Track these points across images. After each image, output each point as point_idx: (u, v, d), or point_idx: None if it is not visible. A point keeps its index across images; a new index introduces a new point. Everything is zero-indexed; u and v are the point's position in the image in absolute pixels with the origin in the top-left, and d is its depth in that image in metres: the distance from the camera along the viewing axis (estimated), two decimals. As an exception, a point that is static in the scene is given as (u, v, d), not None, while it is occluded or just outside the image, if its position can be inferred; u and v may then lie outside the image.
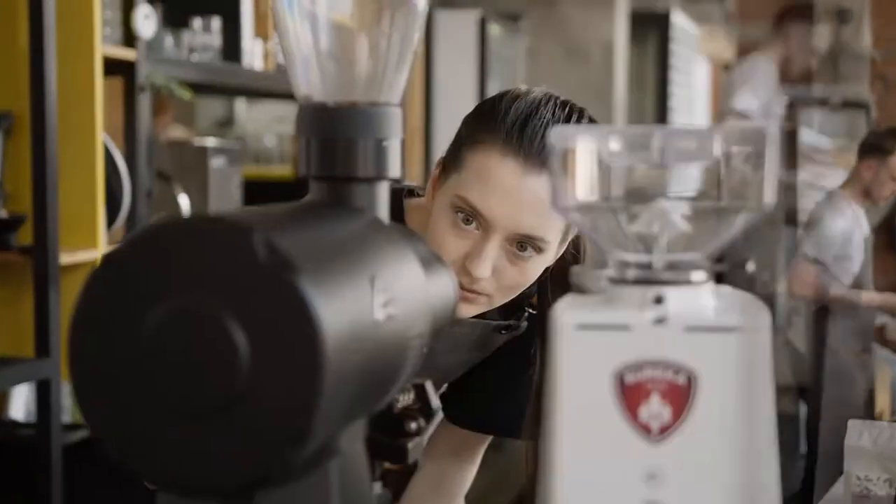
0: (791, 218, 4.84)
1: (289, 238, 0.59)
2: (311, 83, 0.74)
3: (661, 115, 7.87)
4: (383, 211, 0.75)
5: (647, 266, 0.66)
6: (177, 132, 4.42)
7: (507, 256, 1.25)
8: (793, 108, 4.65)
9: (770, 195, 0.64)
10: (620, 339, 0.63)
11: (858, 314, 4.46)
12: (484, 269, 1.23)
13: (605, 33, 6.09)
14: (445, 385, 1.45)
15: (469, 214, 1.23)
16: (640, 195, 0.66)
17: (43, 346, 2.47)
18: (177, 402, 0.58)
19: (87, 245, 2.56)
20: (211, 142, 3.34)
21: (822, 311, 4.58)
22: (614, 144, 0.65)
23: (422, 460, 1.51)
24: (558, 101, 1.26)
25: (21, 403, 2.85)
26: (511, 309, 1.38)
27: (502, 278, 1.26)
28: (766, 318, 0.64)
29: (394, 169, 0.75)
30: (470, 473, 1.57)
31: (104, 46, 2.58)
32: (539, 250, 1.25)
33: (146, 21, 2.65)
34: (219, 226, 0.59)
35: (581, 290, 0.72)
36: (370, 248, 0.68)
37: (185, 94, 2.86)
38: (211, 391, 0.57)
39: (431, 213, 1.28)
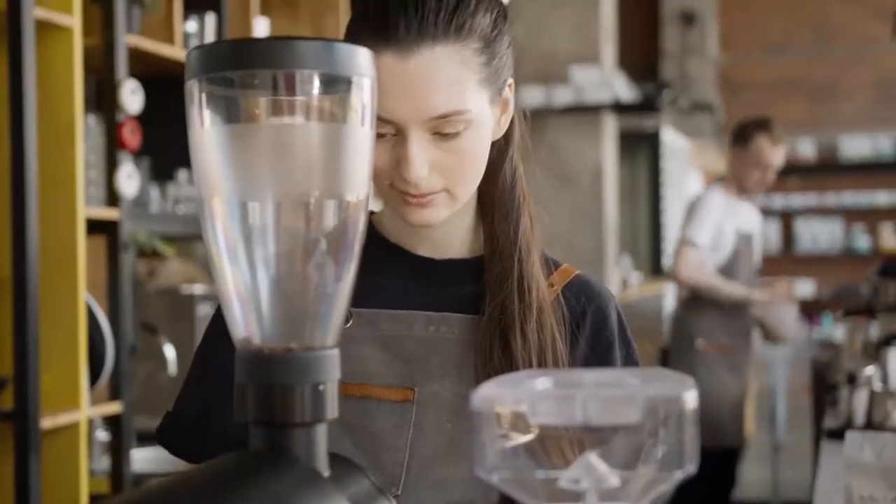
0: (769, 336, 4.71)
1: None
2: (248, 327, 0.75)
3: (655, 230, 7.91)
4: (321, 454, 0.75)
5: (578, 523, 0.65)
6: (175, 265, 4.43)
7: (437, 144, 1.16)
8: None
9: (693, 458, 0.64)
10: None
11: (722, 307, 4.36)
12: (418, 170, 1.15)
13: (593, 158, 6.15)
14: None
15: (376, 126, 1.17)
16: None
17: (24, 513, 2.44)
18: None
19: (70, 407, 2.54)
20: (199, 289, 3.35)
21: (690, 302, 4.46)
22: (539, 405, 0.65)
23: None
24: None
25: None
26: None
27: (445, 169, 1.17)
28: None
29: (332, 410, 0.75)
30: None
31: (88, 208, 2.60)
32: (467, 123, 1.16)
33: (129, 180, 2.68)
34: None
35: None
36: (299, 512, 0.67)
37: (168, 251, 2.88)
38: None
39: None
